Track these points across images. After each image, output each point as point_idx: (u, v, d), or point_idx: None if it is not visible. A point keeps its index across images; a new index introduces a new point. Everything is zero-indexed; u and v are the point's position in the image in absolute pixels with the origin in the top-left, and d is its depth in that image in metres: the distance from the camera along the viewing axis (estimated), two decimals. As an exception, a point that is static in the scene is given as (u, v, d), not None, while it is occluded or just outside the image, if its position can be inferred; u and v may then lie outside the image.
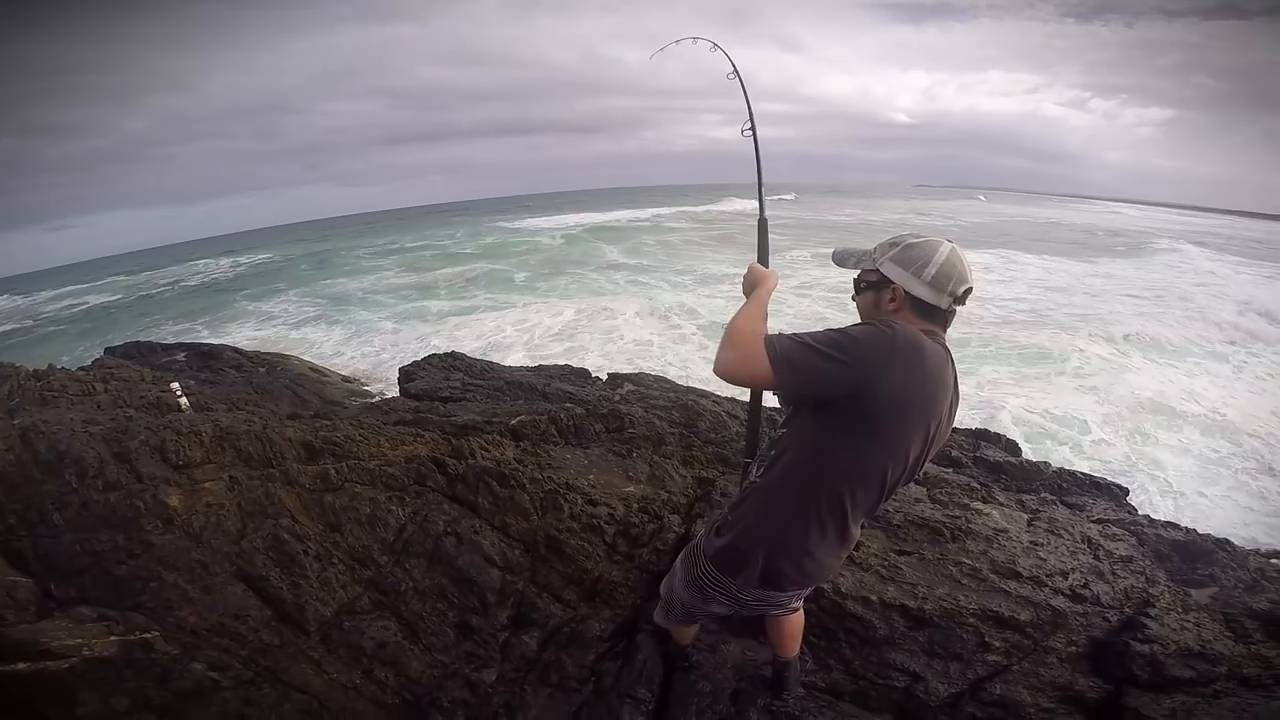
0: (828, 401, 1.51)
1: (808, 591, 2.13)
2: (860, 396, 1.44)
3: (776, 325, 1.62)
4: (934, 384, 1.51)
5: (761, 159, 2.47)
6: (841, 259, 1.78)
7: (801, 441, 1.64)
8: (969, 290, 1.55)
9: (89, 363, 7.18)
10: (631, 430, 4.27)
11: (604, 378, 6.96)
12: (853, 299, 1.75)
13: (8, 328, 25.92)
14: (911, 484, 3.54)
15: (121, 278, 41.35)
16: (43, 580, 2.54)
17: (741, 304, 1.70)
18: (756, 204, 2.41)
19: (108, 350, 8.78)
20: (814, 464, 1.61)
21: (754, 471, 1.86)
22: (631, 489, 3.43)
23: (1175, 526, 3.92)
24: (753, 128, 2.47)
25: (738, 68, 2.69)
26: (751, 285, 1.80)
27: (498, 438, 3.76)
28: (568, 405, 4.65)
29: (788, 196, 69.32)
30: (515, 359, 11.68)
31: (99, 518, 2.72)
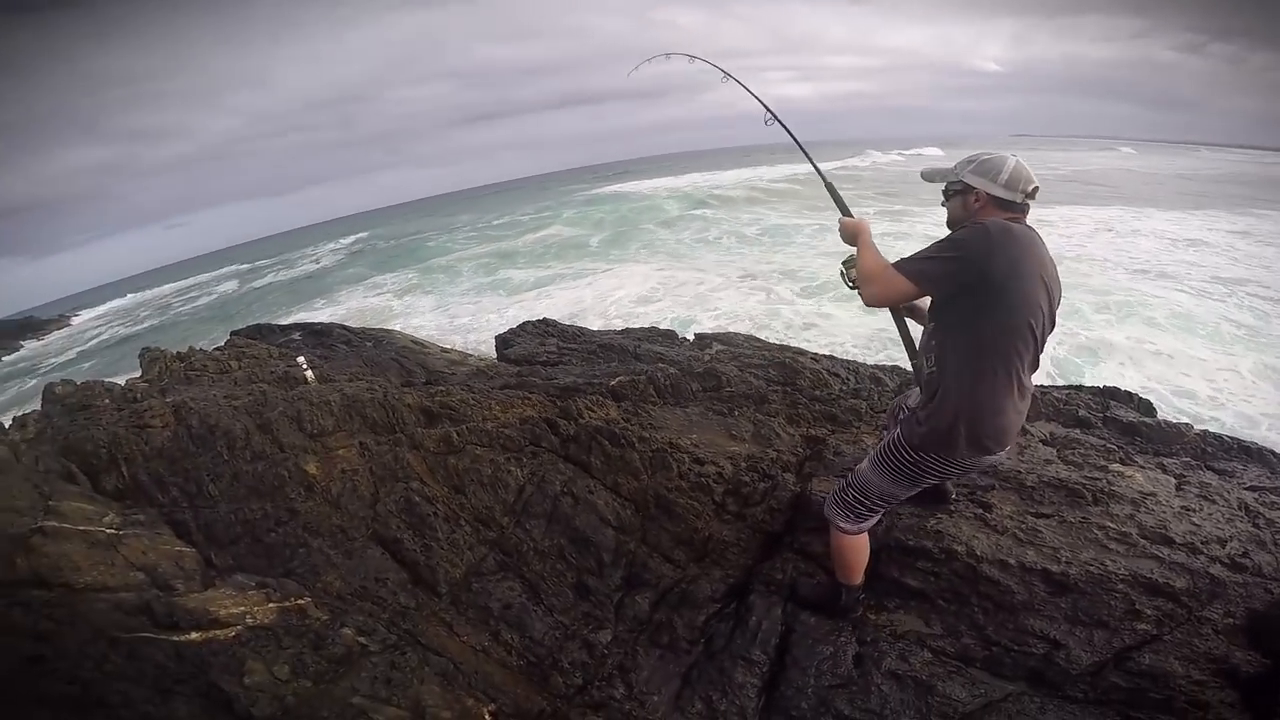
0: (962, 289, 1.91)
1: (1005, 453, 2.33)
2: (984, 274, 1.85)
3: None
4: (1031, 249, 1.91)
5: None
6: (930, 176, 2.24)
7: (956, 327, 2.01)
8: (1036, 189, 1.97)
9: (222, 343, 7.83)
10: (729, 389, 4.21)
11: (690, 338, 6.90)
12: (942, 204, 2.16)
13: (151, 321, 28.78)
14: (1040, 445, 3.30)
15: (236, 267, 44.94)
16: (204, 550, 2.70)
17: (853, 251, 2.22)
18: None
19: (233, 332, 9.54)
20: (977, 338, 1.96)
21: (924, 366, 2.20)
22: (737, 448, 3.38)
23: (1345, 498, 3.45)
24: (774, 116, 2.87)
25: (728, 71, 3.09)
26: (853, 234, 2.24)
27: (600, 399, 3.79)
28: (661, 365, 4.63)
29: (937, 151, 65.19)
30: (602, 323, 11.84)
31: (249, 488, 2.90)
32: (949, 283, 1.92)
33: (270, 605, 2.44)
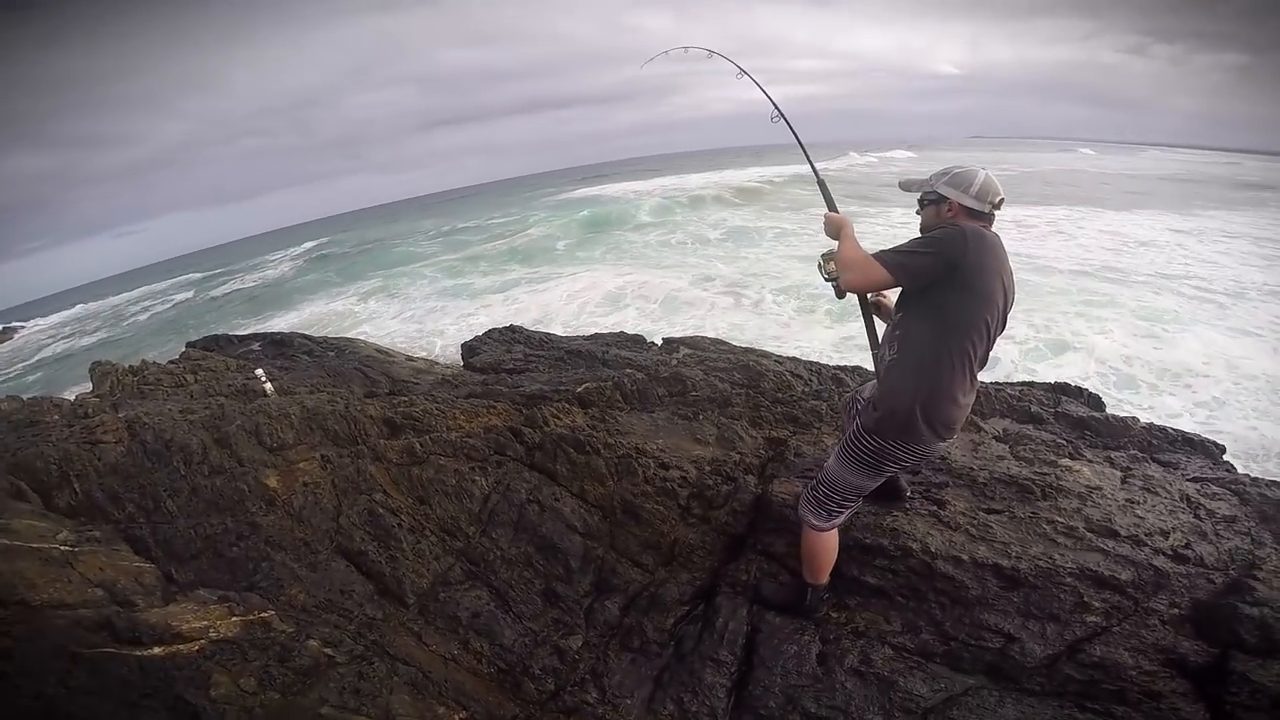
0: (934, 283, 2.06)
1: (952, 439, 2.54)
2: (955, 270, 2.01)
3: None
4: (997, 252, 2.10)
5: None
6: (907, 185, 2.38)
7: (921, 317, 2.18)
8: (1003, 200, 2.16)
9: (176, 356, 7.59)
10: (694, 393, 4.26)
11: (659, 343, 6.94)
12: (917, 212, 2.32)
13: (102, 333, 27.72)
14: (993, 441, 3.41)
15: (190, 276, 43.59)
16: (164, 565, 2.67)
17: (836, 246, 2.33)
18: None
19: (189, 344, 9.26)
20: (940, 330, 2.13)
21: (886, 354, 2.34)
22: (701, 451, 3.42)
23: (1280, 485, 3.63)
24: (780, 114, 3.00)
25: (743, 68, 3.14)
26: (836, 228, 2.36)
27: (566, 405, 3.80)
28: (628, 371, 4.66)
29: (907, 153, 66.70)
30: (569, 329, 11.81)
31: (208, 502, 2.86)
32: (924, 276, 2.06)
33: (234, 619, 2.43)
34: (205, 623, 2.38)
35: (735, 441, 3.52)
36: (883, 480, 2.47)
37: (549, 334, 7.41)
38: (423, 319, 15.87)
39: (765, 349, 6.77)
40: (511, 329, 7.37)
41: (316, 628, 2.53)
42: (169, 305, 32.09)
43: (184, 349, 8.81)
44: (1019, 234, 19.90)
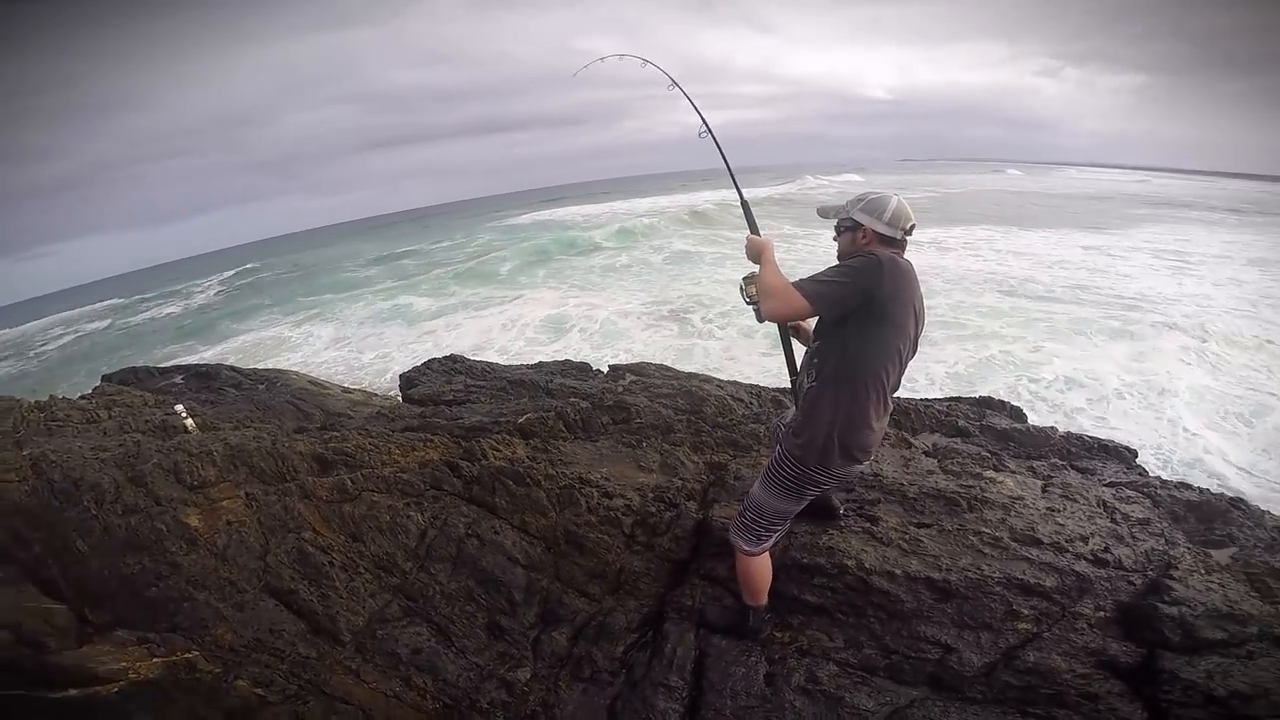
0: (851, 312, 2.10)
1: (868, 464, 2.62)
2: (870, 301, 2.07)
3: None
4: (911, 282, 2.18)
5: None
6: (824, 212, 2.42)
7: (838, 346, 2.23)
8: (914, 225, 2.22)
9: (89, 391, 7.10)
10: (639, 420, 4.27)
11: (605, 370, 6.94)
12: (834, 239, 2.37)
13: (5, 367, 25.63)
14: (923, 456, 3.55)
15: (109, 302, 40.96)
16: (76, 606, 2.54)
17: (758, 270, 2.28)
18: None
19: (105, 377, 8.67)
20: (853, 358, 2.19)
21: (805, 381, 2.40)
22: (645, 479, 3.43)
23: (1188, 487, 3.88)
24: (708, 130, 3.00)
25: (675, 79, 3.13)
26: (757, 252, 2.32)
27: (507, 437, 3.75)
28: (573, 400, 4.63)
29: (855, 178, 68.94)
30: (511, 357, 11.68)
31: (123, 542, 2.72)
32: (841, 305, 2.09)
33: (155, 660, 2.37)
34: (124, 664, 2.31)
35: (678, 467, 3.55)
36: (805, 504, 2.52)
37: (491, 363, 7.30)
38: (361, 348, 15.39)
39: (709, 374, 6.87)
40: (452, 359, 7.23)
41: (245, 667, 2.46)
42: (83, 334, 29.96)
43: (99, 383, 8.25)
44: (936, 254, 21.01)
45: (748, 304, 2.50)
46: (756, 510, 2.49)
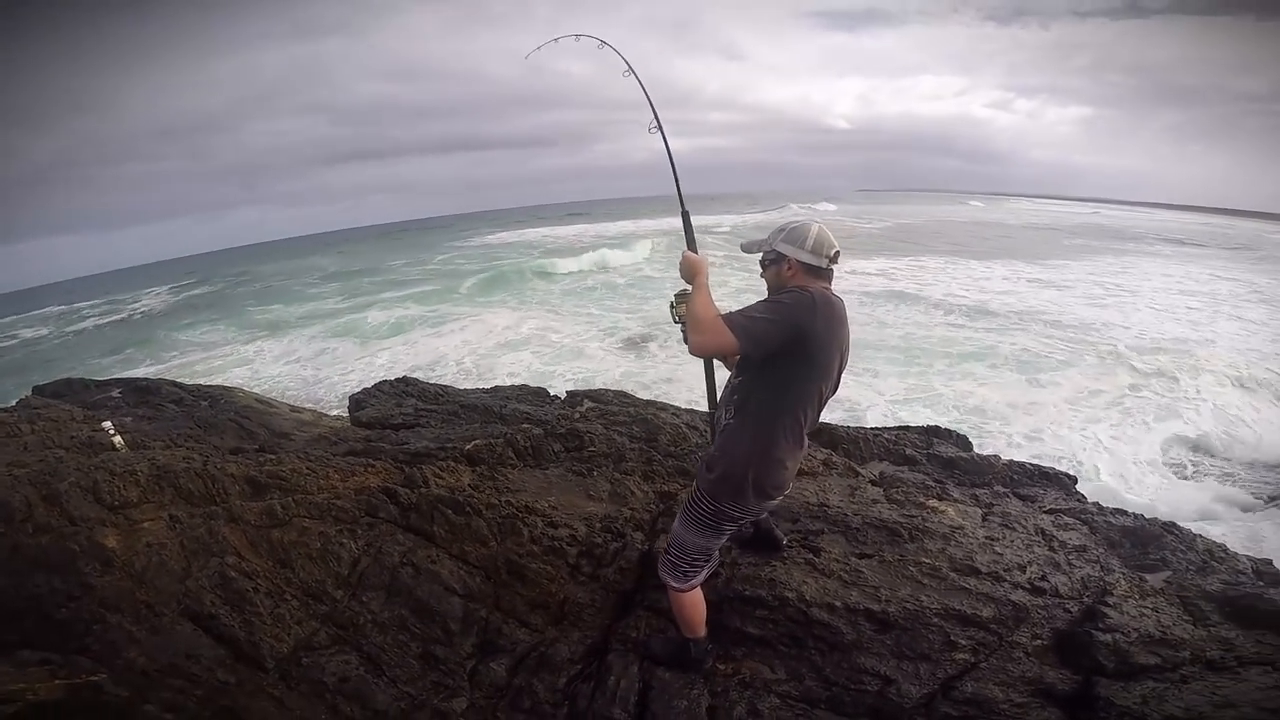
0: (777, 350, 2.02)
1: (779, 500, 2.53)
2: (800, 340, 2.02)
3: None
4: (840, 322, 2.15)
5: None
6: (748, 247, 2.35)
7: (760, 384, 2.18)
8: (838, 252, 2.15)
9: (13, 403, 6.72)
10: (591, 449, 4.23)
11: (563, 396, 6.88)
12: (761, 275, 2.29)
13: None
14: (869, 485, 3.59)
15: (49, 309, 39.09)
16: None
17: (688, 291, 2.20)
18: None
19: (36, 389, 8.21)
20: (775, 397, 2.16)
21: (723, 417, 2.36)
22: (593, 508, 3.39)
23: (1123, 513, 3.99)
24: (658, 124, 2.88)
25: (631, 65, 3.01)
26: (691, 272, 2.20)
27: (452, 464, 3.67)
28: (524, 426, 4.57)
29: (830, 207, 70.03)
30: (469, 380, 11.51)
31: (31, 561, 2.59)
32: (770, 344, 2.01)
33: (56, 682, 2.28)
34: (22, 685, 2.22)
35: (627, 497, 3.52)
36: (724, 538, 2.50)
37: (445, 386, 7.16)
38: (312, 365, 14.99)
39: (667, 401, 6.87)
40: (404, 380, 7.07)
41: (157, 692, 2.35)
42: (16, 341, 28.46)
43: (27, 394, 7.82)
44: (886, 281, 21.66)
45: (676, 323, 2.36)
46: (679, 547, 2.45)
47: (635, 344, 14.52)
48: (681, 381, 11.09)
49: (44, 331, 30.48)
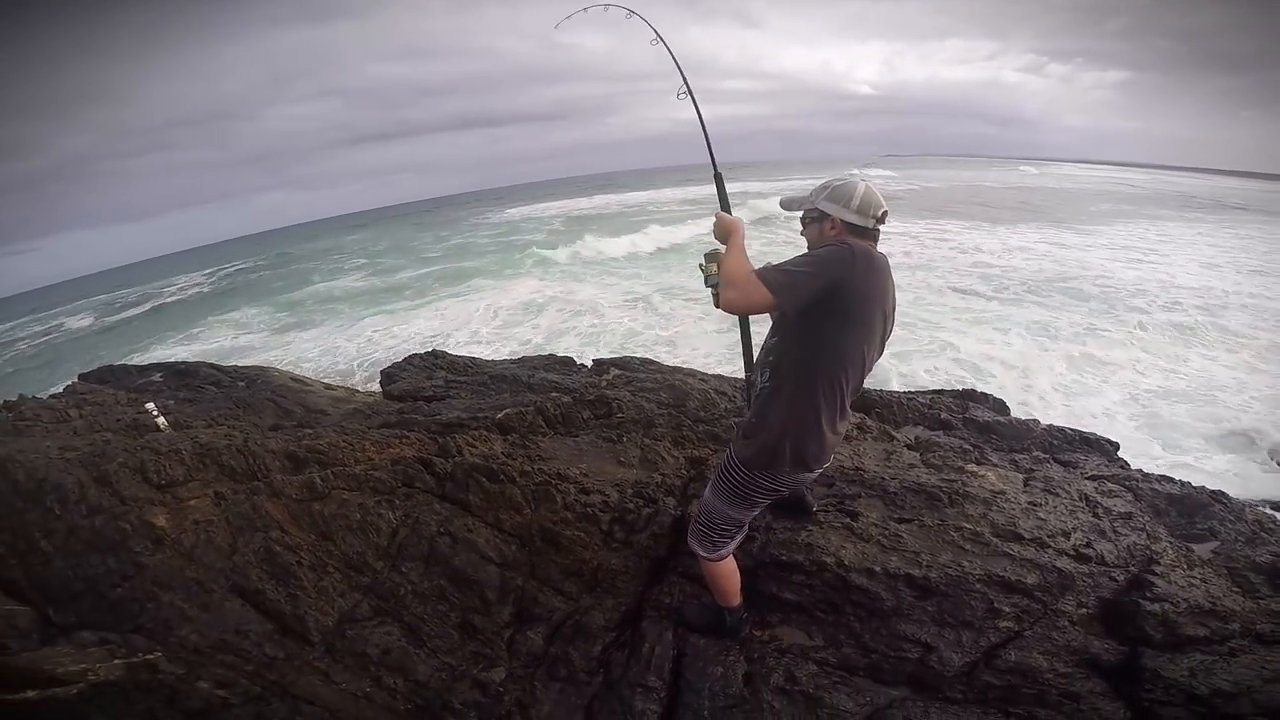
0: (816, 306, 1.89)
1: (824, 469, 2.39)
2: (837, 293, 1.88)
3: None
4: (884, 278, 2.02)
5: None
6: (788, 204, 2.26)
7: (796, 344, 2.05)
8: (886, 213, 2.03)
9: (61, 389, 6.95)
10: (620, 415, 4.22)
11: (589, 364, 6.88)
12: (801, 233, 2.19)
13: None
14: (905, 450, 3.50)
15: (91, 299, 40.35)
16: (41, 607, 2.49)
17: (723, 250, 2.11)
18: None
19: (81, 376, 8.50)
20: (813, 359, 2.03)
21: (758, 380, 2.24)
22: (624, 474, 3.38)
23: (1170, 480, 3.86)
24: (689, 90, 2.85)
25: (660, 33, 2.98)
26: (725, 233, 2.12)
27: (484, 433, 3.69)
28: (554, 395, 4.58)
29: (889, 173, 68.05)
30: (494, 349, 11.59)
31: (87, 542, 2.65)
32: (807, 297, 1.88)
33: (115, 661, 2.32)
34: (83, 665, 2.26)
35: (658, 463, 3.50)
36: (757, 511, 2.40)
37: (473, 358, 7.21)
38: (342, 343, 15.22)
39: (694, 367, 6.81)
40: (433, 354, 7.14)
41: (209, 669, 2.41)
42: (60, 333, 29.46)
43: (73, 381, 8.08)
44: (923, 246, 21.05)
45: (707, 285, 2.29)
46: (708, 516, 2.39)
47: (662, 310, 14.45)
48: (709, 346, 10.96)
49: (87, 321, 31.50)
